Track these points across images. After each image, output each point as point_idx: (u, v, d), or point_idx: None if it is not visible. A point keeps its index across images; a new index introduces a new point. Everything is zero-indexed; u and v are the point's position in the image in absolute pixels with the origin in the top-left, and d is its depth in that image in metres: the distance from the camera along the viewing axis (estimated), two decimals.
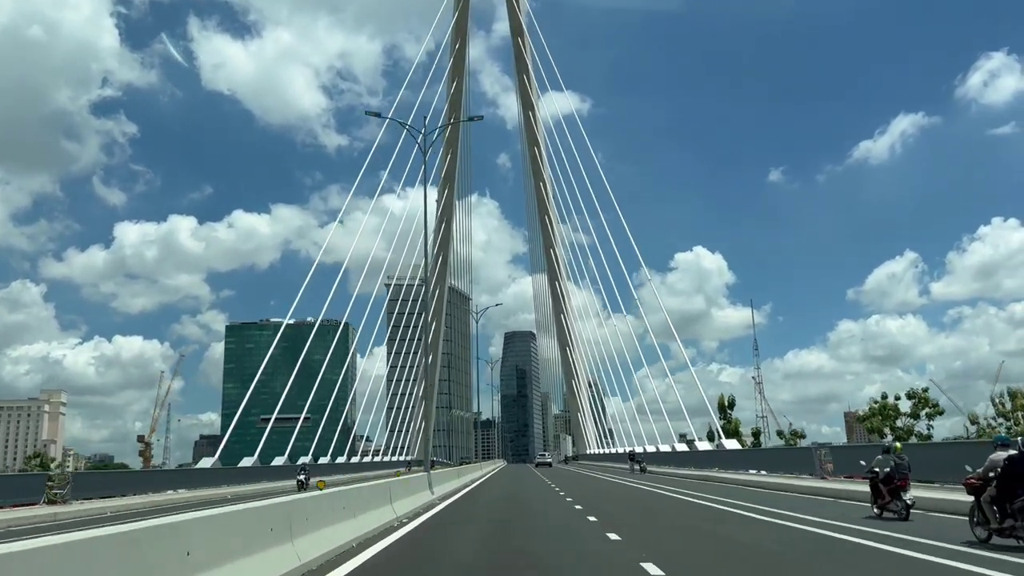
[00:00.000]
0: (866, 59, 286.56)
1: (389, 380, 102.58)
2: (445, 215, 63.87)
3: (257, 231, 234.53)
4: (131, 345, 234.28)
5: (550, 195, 55.72)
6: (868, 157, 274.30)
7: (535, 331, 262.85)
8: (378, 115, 34.15)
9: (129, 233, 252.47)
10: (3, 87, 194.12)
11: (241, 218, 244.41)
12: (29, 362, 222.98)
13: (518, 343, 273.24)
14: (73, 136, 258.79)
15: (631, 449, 39.65)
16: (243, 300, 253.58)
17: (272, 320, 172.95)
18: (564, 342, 65.74)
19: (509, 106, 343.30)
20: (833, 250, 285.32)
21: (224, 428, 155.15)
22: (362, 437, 64.14)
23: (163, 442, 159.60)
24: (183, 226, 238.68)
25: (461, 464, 51.94)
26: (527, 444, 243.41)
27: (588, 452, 60.16)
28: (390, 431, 66.46)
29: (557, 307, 65.60)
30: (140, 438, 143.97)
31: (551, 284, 65.28)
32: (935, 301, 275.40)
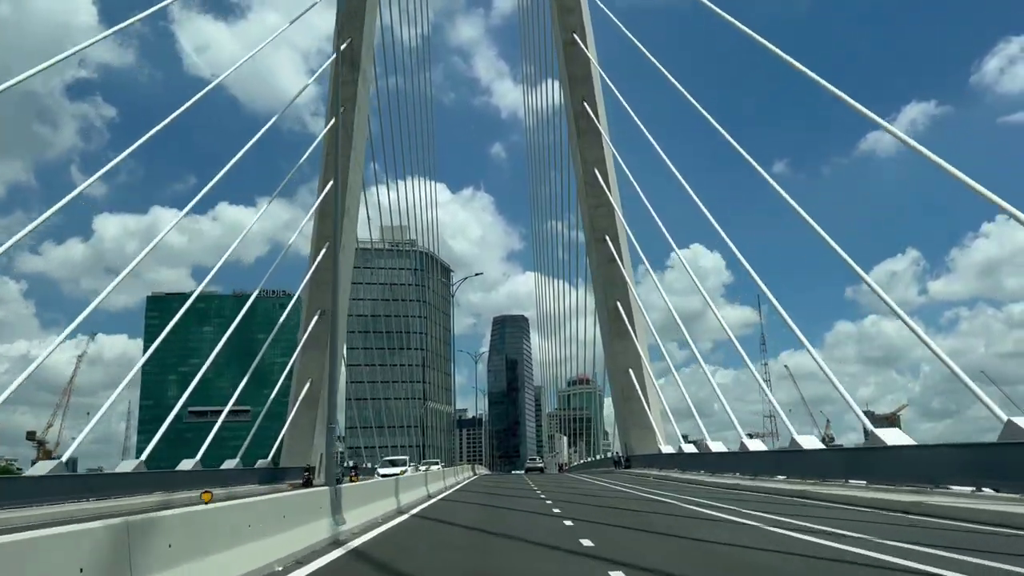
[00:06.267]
0: (879, 43, 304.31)
1: (352, 364, 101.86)
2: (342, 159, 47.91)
3: (243, 224, 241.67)
4: (114, 344, 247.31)
5: (608, 156, 47.41)
6: (876, 148, 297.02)
7: (529, 325, 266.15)
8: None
9: (109, 225, 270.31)
10: None
11: (226, 211, 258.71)
12: (8, 361, 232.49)
13: (509, 330, 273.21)
14: (47, 120, 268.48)
15: None
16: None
17: (207, 290, 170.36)
18: (611, 302, 46.79)
19: (504, 94, 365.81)
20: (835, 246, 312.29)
21: (142, 422, 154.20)
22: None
23: (126, 440, 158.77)
24: (166, 219, 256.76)
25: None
26: (517, 445, 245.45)
27: (657, 451, 40.46)
28: (349, 428, 65.63)
29: (606, 260, 47.74)
30: (31, 435, 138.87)
31: (597, 253, 49.03)
32: (933, 300, 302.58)
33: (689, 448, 37.70)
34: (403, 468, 32.48)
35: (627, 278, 46.54)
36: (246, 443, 34.50)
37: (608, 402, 74.87)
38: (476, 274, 72.91)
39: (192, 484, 25.97)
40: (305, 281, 43.76)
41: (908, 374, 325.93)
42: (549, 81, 65.16)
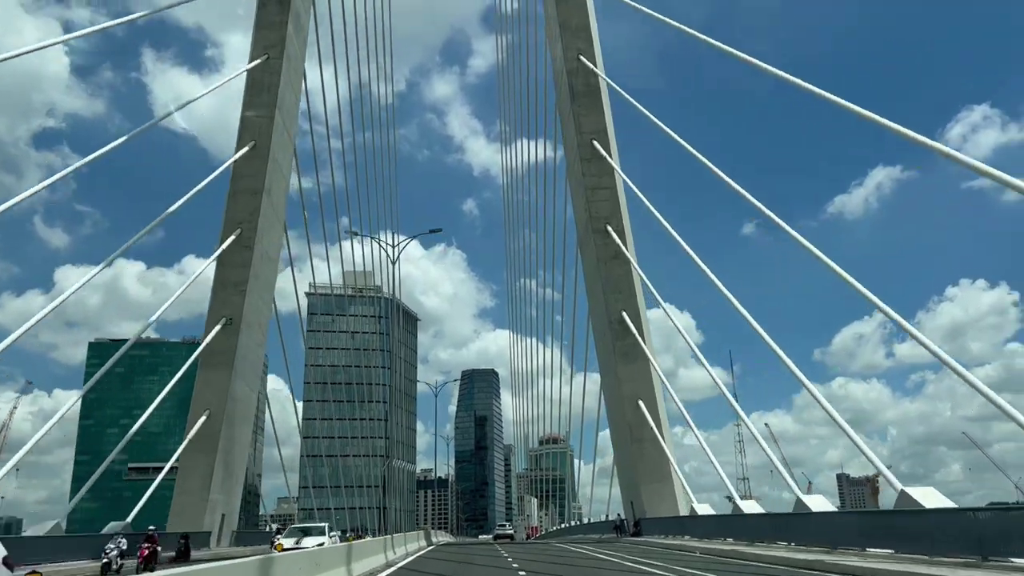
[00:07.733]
0: (847, 110, 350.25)
1: (308, 418, 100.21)
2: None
3: (209, 278, 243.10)
4: (70, 400, 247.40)
5: (611, 125, 41.17)
6: (843, 212, 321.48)
7: (500, 380, 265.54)
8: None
9: (71, 277, 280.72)
10: None
11: (192, 263, 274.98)
12: None
13: (478, 384, 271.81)
14: (11, 169, 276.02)
15: None
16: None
17: (154, 337, 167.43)
18: (615, 313, 37.65)
19: (478, 151, 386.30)
20: (802, 308, 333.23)
21: (75, 479, 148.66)
22: (289, 499, 61.33)
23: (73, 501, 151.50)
24: (130, 271, 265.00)
25: None
26: (486, 507, 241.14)
27: (689, 511, 31.05)
28: (302, 488, 64.31)
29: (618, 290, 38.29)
30: None
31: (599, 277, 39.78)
32: (900, 363, 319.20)
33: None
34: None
35: (637, 277, 37.28)
36: (74, 500, 30.28)
37: (579, 463, 74.44)
38: (433, 230, 59.06)
39: None
40: (213, 262, 36.89)
41: (876, 437, 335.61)
42: (528, 139, 65.86)
